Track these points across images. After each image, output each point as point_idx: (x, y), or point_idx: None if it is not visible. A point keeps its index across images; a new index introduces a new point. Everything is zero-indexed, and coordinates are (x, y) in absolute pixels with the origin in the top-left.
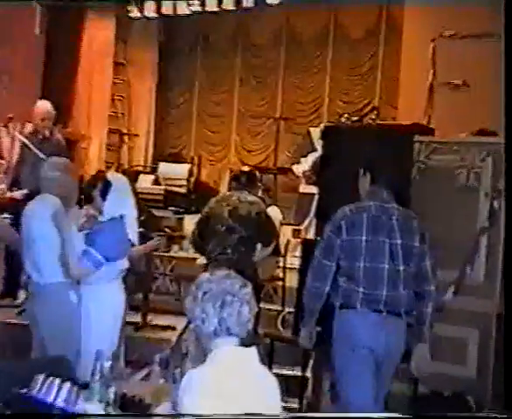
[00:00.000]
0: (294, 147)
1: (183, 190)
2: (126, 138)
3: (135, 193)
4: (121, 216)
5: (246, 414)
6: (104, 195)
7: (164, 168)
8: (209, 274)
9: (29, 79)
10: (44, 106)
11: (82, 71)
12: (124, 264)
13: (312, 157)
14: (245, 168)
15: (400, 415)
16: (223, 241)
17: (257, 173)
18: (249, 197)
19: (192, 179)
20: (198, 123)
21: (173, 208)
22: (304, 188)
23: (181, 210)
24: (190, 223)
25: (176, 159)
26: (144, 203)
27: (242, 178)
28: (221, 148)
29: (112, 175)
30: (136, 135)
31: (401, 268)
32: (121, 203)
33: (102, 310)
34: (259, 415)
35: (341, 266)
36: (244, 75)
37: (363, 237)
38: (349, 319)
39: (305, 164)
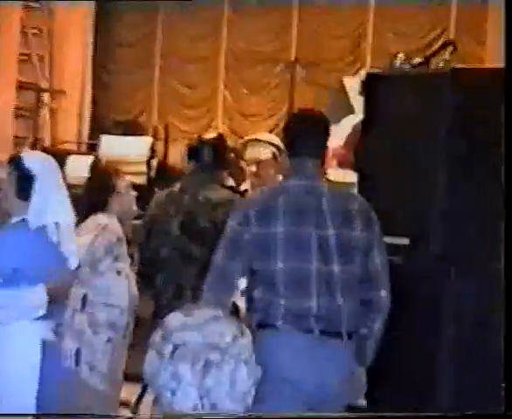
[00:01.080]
0: (319, 109)
1: (140, 180)
2: (46, 97)
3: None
4: (45, 226)
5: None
6: (20, 191)
7: (110, 144)
8: (182, 314)
9: None
10: None
11: None
12: (40, 298)
13: (348, 124)
14: (210, 136)
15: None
16: (175, 274)
17: (226, 142)
18: (213, 192)
19: (155, 162)
20: (165, 73)
21: None
22: (336, 173)
23: (140, 213)
24: None
25: (130, 130)
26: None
27: (203, 153)
28: (201, 112)
29: (31, 158)
30: (63, 93)
31: (336, 269)
32: (46, 204)
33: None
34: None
35: (254, 271)
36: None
37: (280, 229)
38: (266, 343)
39: (337, 136)
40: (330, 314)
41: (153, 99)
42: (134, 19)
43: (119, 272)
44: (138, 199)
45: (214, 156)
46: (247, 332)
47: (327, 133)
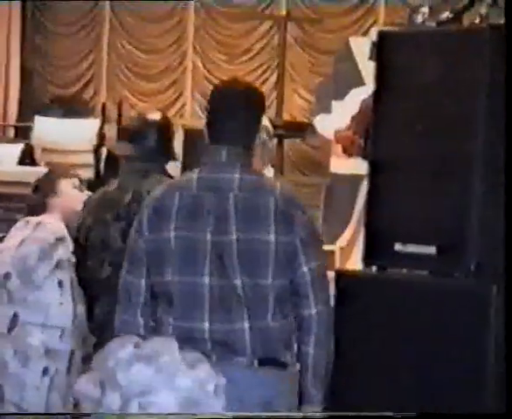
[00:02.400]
0: (317, 80)
1: (86, 175)
2: None
3: None
4: None
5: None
6: None
7: (46, 128)
8: (132, 346)
9: None
10: None
11: None
12: None
13: (355, 99)
14: (153, 116)
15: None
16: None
17: (170, 122)
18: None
19: (105, 150)
20: (116, 33)
21: None
22: (340, 163)
23: None
24: None
25: (71, 110)
26: (5, 205)
27: (147, 138)
28: (165, 85)
29: None
30: None
31: (238, 283)
32: None
33: None
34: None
35: (155, 284)
36: None
37: (172, 233)
38: None
39: (341, 114)
40: (229, 338)
41: (101, 67)
42: None
43: (60, 283)
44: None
45: (159, 141)
46: None
47: (254, 113)
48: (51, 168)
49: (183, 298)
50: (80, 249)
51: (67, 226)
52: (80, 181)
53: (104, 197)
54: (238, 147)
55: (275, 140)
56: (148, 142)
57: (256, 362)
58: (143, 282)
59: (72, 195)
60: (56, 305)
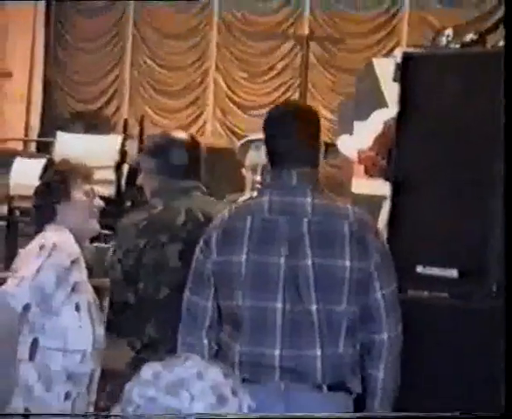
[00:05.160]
0: (339, 100)
1: (107, 191)
2: None
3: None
4: None
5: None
6: None
7: (67, 143)
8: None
9: None
10: None
11: None
12: None
13: (378, 120)
14: (182, 134)
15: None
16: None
17: (200, 142)
18: (210, 206)
19: (126, 167)
20: (138, 50)
21: None
22: (362, 184)
23: (103, 233)
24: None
25: (93, 125)
26: (27, 220)
27: (180, 157)
28: (186, 102)
29: None
30: (6, 75)
31: (313, 308)
32: None
33: None
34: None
35: (222, 307)
36: None
37: (244, 257)
38: None
39: (364, 135)
40: (299, 365)
41: (123, 84)
42: None
43: (77, 307)
44: (104, 214)
45: (193, 161)
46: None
47: (317, 135)
48: (63, 169)
49: (252, 324)
50: (129, 270)
51: (77, 239)
52: (93, 190)
53: (153, 220)
54: (306, 168)
55: None
56: (181, 161)
57: (325, 388)
58: (210, 304)
59: (83, 204)
60: (75, 329)
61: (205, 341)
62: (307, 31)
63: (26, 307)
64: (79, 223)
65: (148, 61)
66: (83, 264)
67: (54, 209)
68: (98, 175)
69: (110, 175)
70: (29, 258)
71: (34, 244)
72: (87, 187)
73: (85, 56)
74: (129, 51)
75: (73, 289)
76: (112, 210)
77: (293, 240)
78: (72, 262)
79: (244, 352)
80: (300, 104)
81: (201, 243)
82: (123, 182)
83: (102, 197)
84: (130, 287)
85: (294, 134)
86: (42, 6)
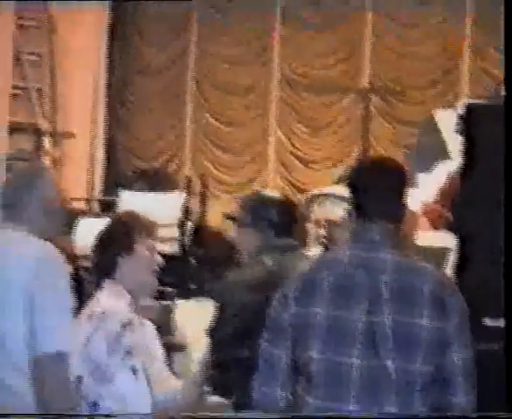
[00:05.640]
0: (400, 152)
1: (171, 248)
2: (47, 141)
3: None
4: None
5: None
6: None
7: (131, 201)
8: None
9: None
10: None
11: None
12: None
13: (442, 172)
14: (276, 193)
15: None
16: None
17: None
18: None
19: (190, 224)
20: (199, 108)
21: None
22: (427, 237)
23: (168, 290)
24: (188, 315)
25: (156, 183)
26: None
27: (276, 215)
28: (248, 158)
29: None
30: (69, 135)
31: (390, 366)
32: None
33: None
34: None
35: (297, 359)
36: (289, 6)
37: (321, 311)
38: None
39: (428, 187)
40: None
41: (184, 141)
42: (160, 37)
43: (134, 370)
44: (169, 271)
45: (291, 220)
46: None
47: (403, 190)
48: (128, 220)
49: (327, 377)
50: (243, 327)
51: (134, 296)
52: (154, 246)
53: (267, 276)
54: (390, 223)
55: None
56: (282, 219)
57: None
58: (286, 355)
59: (145, 259)
60: (132, 393)
61: (280, 392)
62: (367, 84)
63: (79, 379)
64: (139, 278)
65: (209, 118)
66: (138, 325)
67: (116, 261)
68: (162, 232)
69: (174, 232)
70: (78, 328)
71: (84, 313)
72: (150, 242)
73: (146, 114)
74: (190, 109)
75: (128, 353)
76: (176, 268)
77: (371, 296)
78: (123, 326)
79: (317, 405)
80: (387, 158)
81: (279, 294)
82: (187, 239)
83: (165, 255)
84: (243, 344)
85: (381, 188)
86: (103, 67)
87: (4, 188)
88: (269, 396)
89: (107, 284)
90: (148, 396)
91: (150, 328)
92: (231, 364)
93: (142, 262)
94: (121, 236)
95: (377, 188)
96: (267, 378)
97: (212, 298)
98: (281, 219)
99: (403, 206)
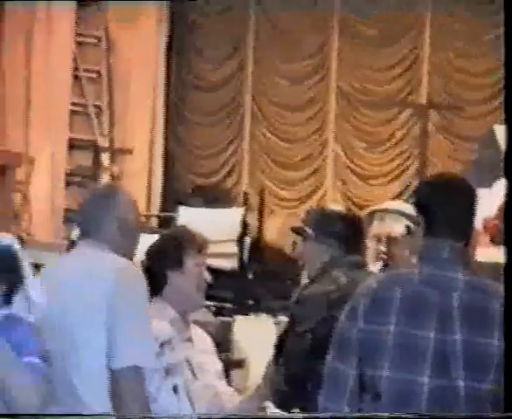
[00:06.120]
0: (458, 167)
1: (229, 265)
2: (106, 157)
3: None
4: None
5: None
6: None
7: (189, 217)
8: None
9: None
10: None
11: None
12: None
13: (502, 188)
14: (341, 208)
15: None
16: None
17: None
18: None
19: (248, 240)
20: (257, 123)
21: (210, 302)
22: (487, 252)
23: (226, 306)
24: (247, 331)
25: (213, 199)
26: None
27: (344, 229)
28: (306, 173)
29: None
30: (127, 152)
31: (461, 385)
32: None
33: None
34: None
35: (364, 377)
36: (347, 21)
37: (391, 328)
38: None
39: (488, 203)
40: None
41: (242, 156)
42: (217, 54)
43: (175, 388)
44: (225, 287)
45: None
46: None
47: (473, 208)
48: (179, 235)
49: (396, 396)
50: (320, 341)
51: (181, 312)
52: (204, 262)
53: (345, 292)
54: (460, 243)
55: (421, 230)
56: (352, 234)
57: None
58: (352, 372)
59: (194, 275)
60: (176, 412)
61: (346, 409)
62: (425, 99)
63: None
64: (187, 294)
65: (267, 133)
66: (180, 342)
67: (165, 276)
68: (220, 248)
69: (232, 248)
70: None
71: None
72: (200, 258)
73: (204, 130)
74: (247, 124)
75: (167, 372)
76: (234, 284)
77: (442, 314)
78: (163, 344)
79: None
80: (455, 175)
81: (347, 309)
82: (246, 254)
83: (224, 271)
84: (318, 358)
85: (451, 206)
86: (161, 83)
87: (82, 208)
88: (334, 413)
89: (152, 301)
90: (190, 412)
91: (204, 341)
92: (297, 379)
93: (191, 278)
94: (171, 251)
95: (446, 206)
96: (333, 394)
97: (271, 313)
98: (348, 234)
99: (471, 224)
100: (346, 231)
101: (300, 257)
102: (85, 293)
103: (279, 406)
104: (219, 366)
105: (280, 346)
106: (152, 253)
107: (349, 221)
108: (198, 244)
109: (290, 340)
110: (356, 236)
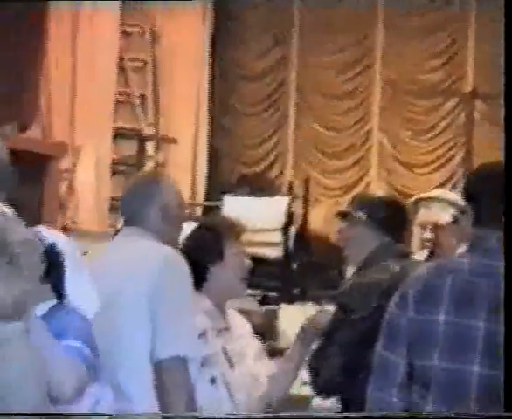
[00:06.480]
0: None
1: (274, 254)
2: (151, 146)
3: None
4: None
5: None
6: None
7: (234, 206)
8: None
9: None
10: None
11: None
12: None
13: None
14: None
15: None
16: None
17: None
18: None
19: (293, 229)
20: (302, 112)
21: (256, 291)
22: None
23: (272, 295)
24: (292, 320)
25: (258, 188)
26: None
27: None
28: (351, 162)
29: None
30: (172, 141)
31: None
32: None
33: None
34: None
35: (413, 366)
36: (391, 10)
37: (442, 317)
38: None
39: None
40: None
41: (286, 146)
42: (260, 44)
43: (213, 380)
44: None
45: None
46: None
47: None
48: (217, 225)
49: (446, 386)
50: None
51: (219, 302)
52: (244, 250)
53: (397, 280)
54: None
55: (468, 218)
56: (400, 223)
57: None
58: (402, 361)
59: (235, 265)
60: (215, 403)
61: (395, 399)
62: (470, 88)
63: None
64: (229, 285)
65: (311, 122)
66: (216, 333)
67: (206, 270)
68: (266, 237)
69: (278, 237)
70: None
71: None
72: (240, 246)
73: (248, 120)
74: (292, 114)
75: (204, 364)
76: (280, 273)
77: (491, 304)
78: (198, 337)
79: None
80: (501, 165)
81: (397, 297)
82: (291, 243)
83: (269, 260)
84: (368, 348)
85: (500, 196)
86: (206, 73)
87: (125, 196)
88: (383, 402)
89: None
90: (227, 403)
91: (241, 325)
92: (348, 368)
93: (233, 268)
94: (211, 244)
95: (494, 196)
96: (382, 383)
97: (316, 302)
98: (396, 221)
99: None
100: (394, 218)
101: (345, 242)
102: (128, 282)
103: (322, 392)
104: (257, 348)
105: (329, 335)
106: (190, 246)
107: (398, 208)
108: (237, 232)
109: (342, 328)
110: (403, 224)
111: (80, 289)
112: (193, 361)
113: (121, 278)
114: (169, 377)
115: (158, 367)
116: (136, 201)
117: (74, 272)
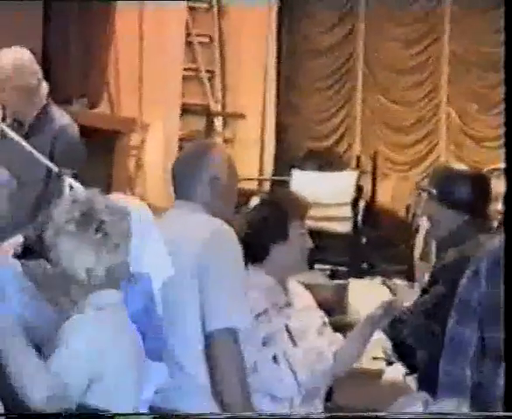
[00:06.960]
0: None
1: (343, 228)
2: (218, 123)
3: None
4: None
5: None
6: None
7: (303, 181)
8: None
9: None
10: (10, 56)
11: None
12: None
13: None
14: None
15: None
16: None
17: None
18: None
19: (362, 203)
20: (370, 87)
21: (325, 266)
22: None
23: (341, 270)
24: (361, 294)
25: (326, 162)
26: None
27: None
28: (419, 136)
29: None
30: (240, 117)
31: None
32: None
33: None
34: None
35: (484, 340)
36: None
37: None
38: None
39: None
40: None
41: (354, 120)
42: (327, 18)
43: (275, 358)
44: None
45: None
46: None
47: None
48: (283, 202)
49: None
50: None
51: (281, 279)
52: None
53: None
54: None
55: None
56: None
57: None
58: (475, 335)
59: (298, 245)
60: (278, 381)
61: (468, 372)
62: None
63: None
64: (291, 264)
65: (379, 97)
66: (277, 312)
67: (268, 249)
68: (334, 211)
69: (347, 211)
70: None
71: None
72: (303, 224)
73: (315, 95)
74: (359, 88)
75: (266, 343)
76: (348, 247)
77: None
78: (257, 316)
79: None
80: None
81: (469, 272)
82: (360, 218)
83: (338, 234)
84: (436, 324)
85: None
86: (272, 49)
87: (174, 167)
88: (455, 376)
89: (249, 270)
90: (292, 381)
91: (304, 298)
92: (424, 341)
93: (296, 247)
94: (276, 222)
95: None
96: (454, 357)
97: (386, 277)
98: (476, 198)
99: None
100: (474, 195)
101: (428, 218)
102: (179, 255)
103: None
104: (321, 321)
105: (430, 312)
106: (254, 223)
107: (478, 182)
108: (302, 211)
109: (447, 305)
110: (484, 199)
111: (154, 256)
112: (252, 343)
113: (171, 252)
114: (220, 349)
115: (209, 339)
116: (185, 172)
117: (150, 239)
